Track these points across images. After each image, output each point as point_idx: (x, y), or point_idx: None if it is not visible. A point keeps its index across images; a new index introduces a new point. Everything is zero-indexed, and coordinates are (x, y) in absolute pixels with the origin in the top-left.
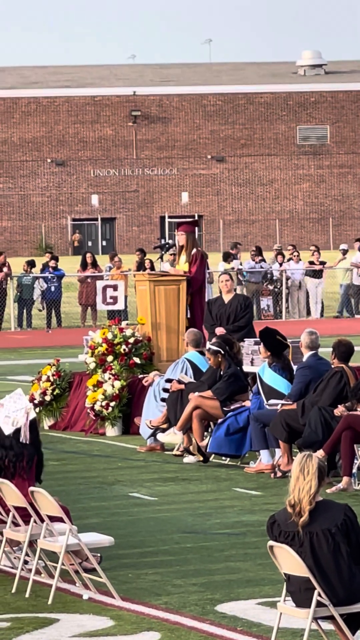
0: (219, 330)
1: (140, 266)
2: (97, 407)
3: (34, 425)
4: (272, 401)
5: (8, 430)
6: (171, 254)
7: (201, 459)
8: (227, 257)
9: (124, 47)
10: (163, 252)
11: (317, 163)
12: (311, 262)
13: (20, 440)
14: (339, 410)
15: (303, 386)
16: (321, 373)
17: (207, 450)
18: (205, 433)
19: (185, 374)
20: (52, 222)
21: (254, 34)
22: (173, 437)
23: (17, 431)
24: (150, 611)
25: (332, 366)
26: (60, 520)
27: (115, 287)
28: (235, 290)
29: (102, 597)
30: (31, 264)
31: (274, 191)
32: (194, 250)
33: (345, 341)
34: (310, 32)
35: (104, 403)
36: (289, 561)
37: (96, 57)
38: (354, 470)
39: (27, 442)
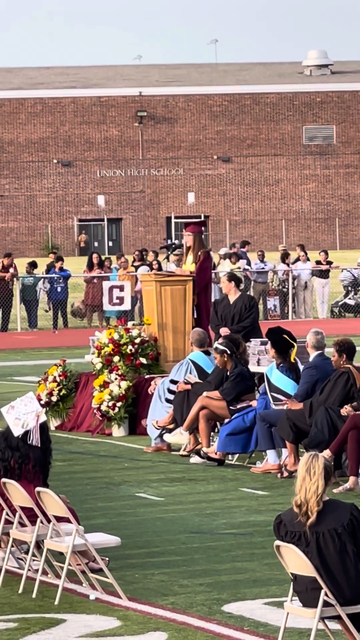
0: (224, 331)
1: (150, 267)
2: (103, 407)
3: (44, 428)
4: (276, 396)
5: (17, 432)
6: (176, 255)
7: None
8: (232, 257)
9: (130, 48)
10: (169, 253)
11: (323, 163)
12: (318, 262)
13: (29, 442)
14: (346, 410)
15: (309, 386)
16: (328, 373)
17: (216, 451)
18: (212, 434)
19: (190, 374)
20: (58, 222)
21: (259, 34)
22: (180, 437)
23: (26, 433)
24: (157, 611)
25: (333, 365)
26: (67, 520)
27: (121, 288)
28: (240, 290)
29: (108, 597)
30: (33, 265)
31: (280, 191)
32: (200, 251)
33: (347, 340)
34: (316, 32)
35: (110, 403)
36: (295, 561)
37: (102, 58)
38: None
39: (37, 445)
